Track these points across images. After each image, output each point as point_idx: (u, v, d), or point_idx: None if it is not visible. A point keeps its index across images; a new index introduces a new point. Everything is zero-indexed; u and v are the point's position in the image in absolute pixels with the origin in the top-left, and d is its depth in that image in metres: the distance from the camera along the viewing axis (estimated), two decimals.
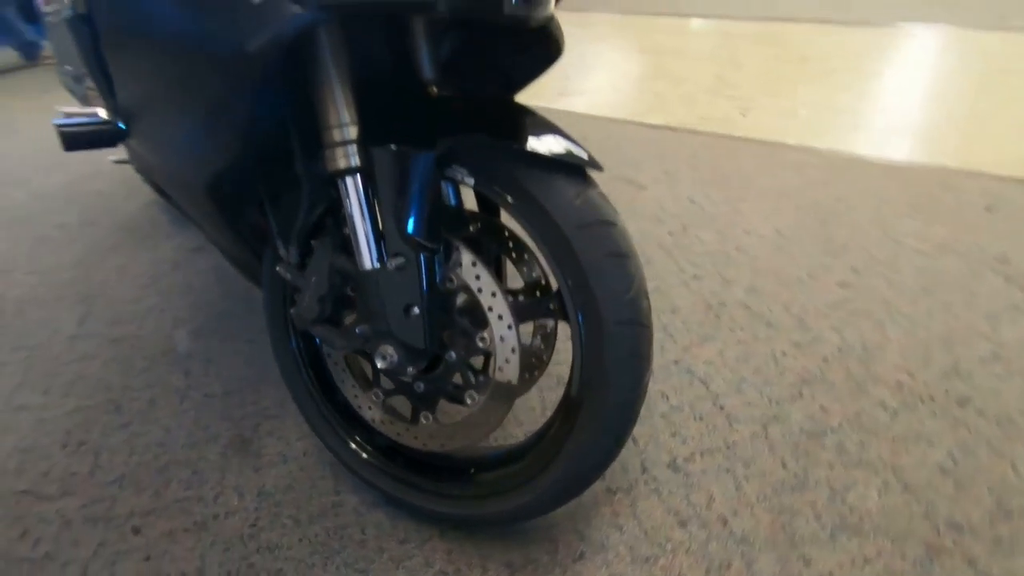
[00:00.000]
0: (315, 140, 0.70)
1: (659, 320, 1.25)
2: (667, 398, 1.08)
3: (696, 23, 2.99)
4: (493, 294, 0.72)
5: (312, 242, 0.80)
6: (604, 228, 0.68)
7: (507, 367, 0.74)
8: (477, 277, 0.72)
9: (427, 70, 0.75)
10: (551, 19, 0.70)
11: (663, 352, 1.18)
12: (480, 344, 0.75)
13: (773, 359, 1.14)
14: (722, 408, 1.06)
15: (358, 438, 0.93)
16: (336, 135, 0.67)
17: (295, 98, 0.71)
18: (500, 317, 0.72)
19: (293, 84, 0.69)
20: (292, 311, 0.83)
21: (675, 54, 2.65)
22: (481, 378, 0.78)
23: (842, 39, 2.55)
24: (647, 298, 0.71)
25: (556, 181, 0.68)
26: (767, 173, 1.71)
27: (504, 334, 0.72)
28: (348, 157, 0.68)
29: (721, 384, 1.10)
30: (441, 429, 0.82)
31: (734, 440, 1.00)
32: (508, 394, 0.76)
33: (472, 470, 0.88)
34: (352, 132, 0.68)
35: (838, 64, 2.30)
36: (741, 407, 1.05)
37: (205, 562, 0.90)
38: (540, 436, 0.81)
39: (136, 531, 0.96)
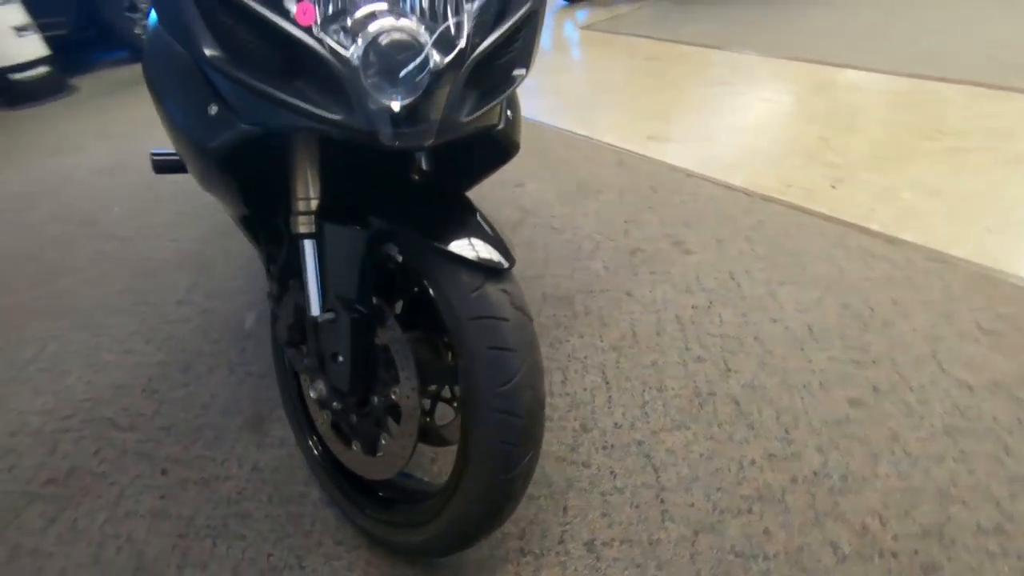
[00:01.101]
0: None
1: (641, 397, 1.26)
2: (614, 476, 1.11)
3: (830, 73, 2.75)
4: (405, 357, 0.84)
5: (290, 281, 0.97)
6: (493, 322, 0.76)
7: (408, 422, 0.85)
8: (396, 340, 0.84)
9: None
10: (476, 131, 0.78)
11: (632, 429, 1.20)
12: (392, 397, 0.87)
13: (738, 466, 1.11)
14: (662, 502, 1.07)
15: (314, 440, 1.11)
16: (301, 205, 0.83)
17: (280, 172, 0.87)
18: (408, 378, 0.84)
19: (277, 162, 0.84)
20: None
21: (789, 106, 2.48)
22: (393, 425, 0.91)
23: (1000, 110, 2.21)
24: (533, 390, 0.78)
25: (460, 274, 0.76)
26: (828, 259, 1.59)
27: (409, 393, 0.84)
28: (307, 225, 0.83)
29: (673, 477, 1.10)
30: (362, 458, 0.96)
31: (659, 538, 1.01)
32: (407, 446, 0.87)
33: (392, 498, 1.00)
34: (313, 205, 0.82)
35: (978, 142, 2.01)
36: (682, 506, 1.05)
37: (197, 512, 1.13)
38: (443, 487, 0.91)
39: (164, 472, 1.23)
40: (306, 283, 0.85)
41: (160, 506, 1.16)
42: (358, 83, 0.62)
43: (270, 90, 0.64)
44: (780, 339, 1.36)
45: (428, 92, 0.65)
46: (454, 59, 0.65)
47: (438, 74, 0.65)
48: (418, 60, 0.62)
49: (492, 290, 0.77)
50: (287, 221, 0.86)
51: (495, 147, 0.91)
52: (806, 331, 1.38)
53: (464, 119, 0.70)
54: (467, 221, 0.81)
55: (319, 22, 0.61)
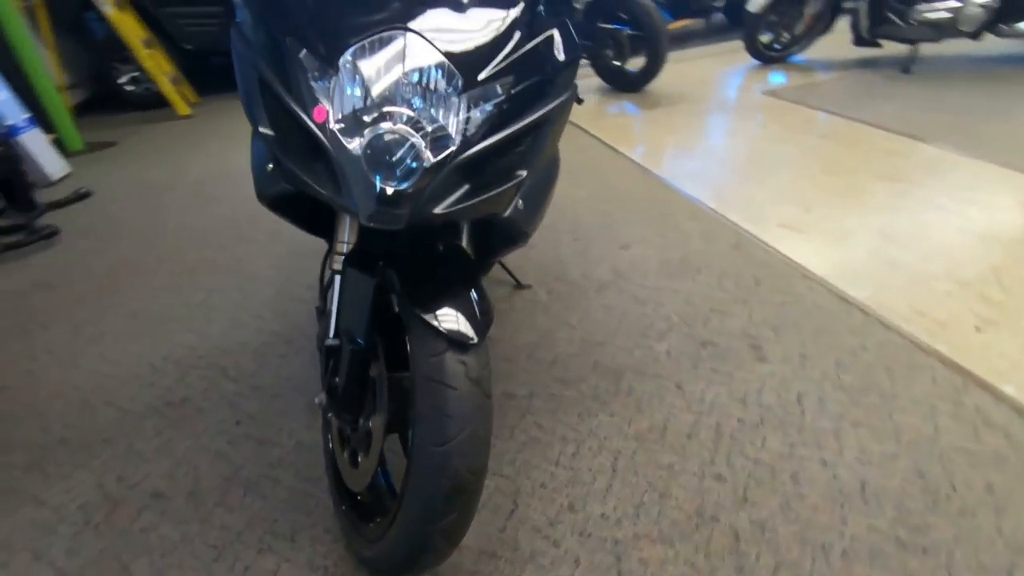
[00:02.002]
0: None
1: (640, 496, 1.24)
2: (577, 565, 1.12)
3: None
4: (382, 394, 0.96)
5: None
6: (441, 387, 0.85)
7: (373, 450, 0.98)
8: (381, 377, 0.97)
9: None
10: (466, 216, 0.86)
11: (616, 525, 1.18)
12: (369, 424, 1.00)
13: None
14: None
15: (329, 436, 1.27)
16: (338, 246, 1.00)
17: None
18: (380, 413, 0.96)
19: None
20: None
21: (969, 221, 2.11)
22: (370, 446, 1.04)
23: None
24: (465, 459, 0.85)
25: (428, 338, 0.86)
26: (927, 412, 1.36)
27: (379, 425, 0.97)
28: (339, 263, 1.00)
29: None
30: (346, 466, 1.11)
31: None
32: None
33: (366, 505, 1.13)
34: (346, 248, 0.99)
35: None
36: None
37: (245, 464, 1.39)
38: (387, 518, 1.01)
39: (238, 423, 1.52)
40: (329, 312, 1.02)
41: (224, 450, 1.44)
42: (352, 170, 0.76)
43: (291, 166, 0.81)
44: (821, 486, 1.22)
45: (413, 183, 0.76)
46: (441, 159, 0.76)
47: (426, 169, 0.76)
48: (401, 157, 0.74)
49: (451, 359, 0.86)
50: (327, 256, 1.04)
51: (500, 233, 1.00)
52: (857, 487, 1.21)
53: (440, 210, 0.79)
54: (455, 293, 0.91)
55: (330, 121, 0.76)
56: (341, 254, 1.00)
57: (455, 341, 0.86)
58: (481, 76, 0.78)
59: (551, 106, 0.86)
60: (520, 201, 0.95)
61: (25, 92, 3.60)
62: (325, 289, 1.19)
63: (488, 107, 0.79)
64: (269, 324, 1.91)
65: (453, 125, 0.77)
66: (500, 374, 1.59)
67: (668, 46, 3.73)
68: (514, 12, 0.84)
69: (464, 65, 0.77)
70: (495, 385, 1.50)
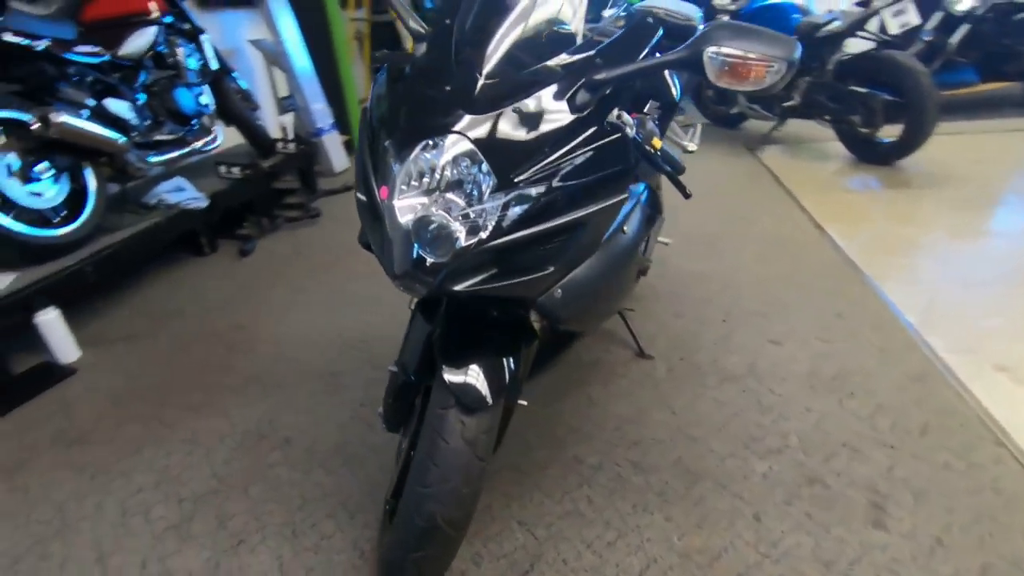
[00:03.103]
0: None
1: None
2: None
3: None
4: (412, 423, 1.12)
5: None
6: (436, 438, 0.96)
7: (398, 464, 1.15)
8: (417, 407, 1.13)
9: None
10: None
11: None
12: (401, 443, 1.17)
13: None
14: None
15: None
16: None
17: None
18: (404, 437, 1.12)
19: None
20: None
21: None
22: None
23: None
24: (442, 507, 0.96)
25: (441, 390, 0.98)
26: None
27: (404, 447, 1.13)
28: (413, 303, 1.18)
29: None
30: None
31: None
32: None
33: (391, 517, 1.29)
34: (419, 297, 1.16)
35: None
36: None
37: (315, 446, 1.69)
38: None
39: (361, 405, 1.84)
40: (403, 343, 1.21)
41: (345, 423, 1.77)
42: (396, 238, 0.89)
43: (363, 225, 1.00)
44: None
45: (442, 258, 0.88)
46: (469, 244, 0.87)
47: (457, 251, 0.87)
48: (437, 236, 0.87)
49: (453, 415, 0.97)
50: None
51: (539, 314, 1.06)
52: None
53: (461, 287, 0.89)
54: (484, 356, 1.00)
55: (393, 197, 0.91)
56: (414, 299, 1.18)
57: (461, 400, 0.96)
58: (517, 178, 0.87)
59: (583, 212, 0.91)
60: (559, 291, 1.01)
61: (336, 101, 4.70)
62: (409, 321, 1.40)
63: (521, 206, 0.87)
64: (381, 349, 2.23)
65: (485, 217, 0.87)
66: (581, 436, 1.62)
67: (936, 117, 3.13)
68: (567, 120, 0.90)
69: (502, 167, 0.86)
70: (573, 443, 1.56)
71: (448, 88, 0.92)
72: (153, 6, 2.88)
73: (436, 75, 0.94)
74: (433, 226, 0.87)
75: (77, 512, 1.51)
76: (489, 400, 0.97)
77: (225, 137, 3.33)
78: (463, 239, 0.87)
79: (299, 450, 1.67)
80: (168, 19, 2.97)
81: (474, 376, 0.98)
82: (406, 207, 0.90)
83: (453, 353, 1.01)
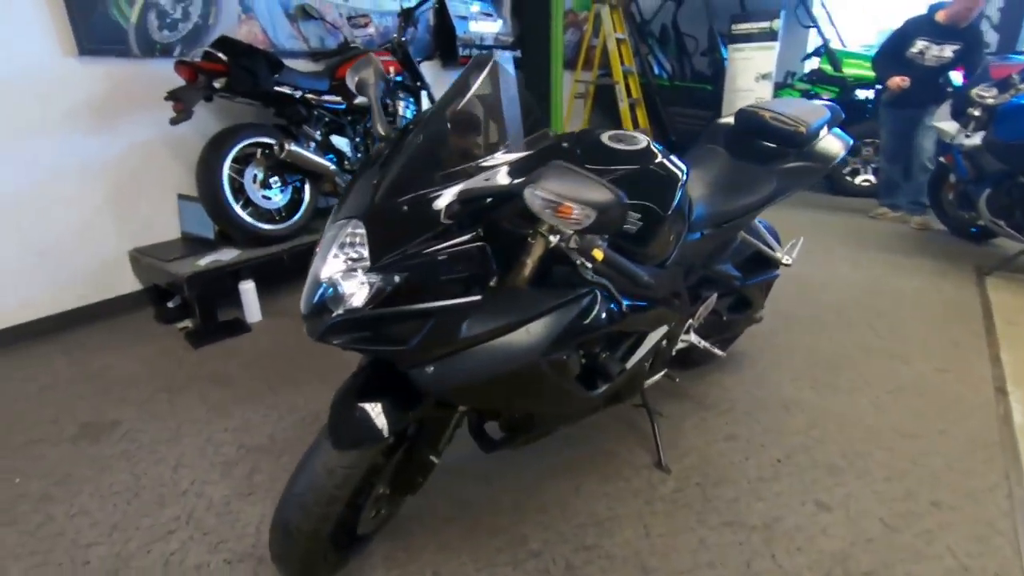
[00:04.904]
0: None
1: None
2: None
3: None
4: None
5: None
6: (310, 458, 1.16)
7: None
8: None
9: None
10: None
11: None
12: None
13: None
14: None
15: None
16: None
17: None
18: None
19: None
20: None
21: None
22: None
23: None
24: (297, 511, 1.17)
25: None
26: None
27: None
28: None
29: None
30: None
31: None
32: None
33: None
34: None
35: None
36: None
37: None
38: None
39: None
40: None
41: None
42: (306, 288, 1.10)
43: None
44: None
45: (324, 311, 1.07)
46: (349, 308, 1.05)
47: (341, 311, 1.06)
48: (326, 296, 1.07)
49: (326, 442, 1.15)
50: None
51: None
52: None
53: (336, 341, 1.06)
54: (377, 402, 1.16)
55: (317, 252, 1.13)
56: None
57: (331, 432, 1.14)
58: (385, 264, 1.03)
59: (431, 305, 1.04)
60: (431, 367, 1.10)
61: None
62: None
63: (386, 287, 1.02)
64: None
65: (358, 290, 1.04)
66: (543, 518, 1.62)
67: None
68: (440, 225, 1.05)
69: (378, 253, 1.03)
70: (531, 521, 1.63)
71: (373, 182, 1.13)
72: (392, 69, 3.70)
73: (373, 171, 1.16)
74: (329, 286, 1.08)
75: (188, 430, 2.08)
76: (350, 445, 1.13)
77: None
78: (344, 303, 1.06)
79: None
80: (399, 78, 3.77)
81: (354, 416, 1.15)
82: (320, 263, 1.11)
83: (361, 389, 1.20)
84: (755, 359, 2.46)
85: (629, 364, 1.46)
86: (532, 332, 1.13)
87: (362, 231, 1.07)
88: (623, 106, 5.69)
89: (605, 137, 1.36)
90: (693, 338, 1.92)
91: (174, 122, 2.79)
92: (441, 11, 4.64)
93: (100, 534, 1.61)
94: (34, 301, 2.85)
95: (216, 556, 1.53)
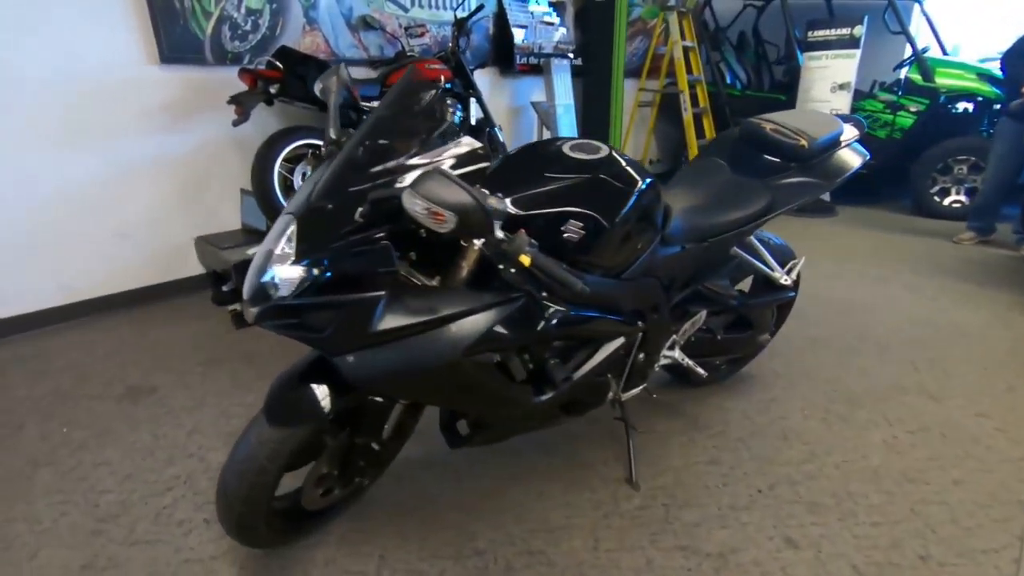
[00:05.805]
0: None
1: None
2: None
3: None
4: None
5: None
6: (249, 430, 1.27)
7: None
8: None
9: None
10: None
11: None
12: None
13: None
14: None
15: None
16: None
17: None
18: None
19: None
20: None
21: None
22: None
23: None
24: (234, 479, 1.28)
25: None
26: None
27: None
28: None
29: None
30: None
31: None
32: None
33: None
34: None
35: None
36: None
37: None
38: None
39: None
40: None
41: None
42: (250, 273, 1.19)
43: None
44: None
45: (260, 297, 1.17)
46: (277, 298, 1.14)
47: (271, 300, 1.15)
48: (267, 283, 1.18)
49: (260, 416, 1.26)
50: None
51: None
52: None
53: (266, 325, 1.15)
54: (316, 384, 1.27)
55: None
56: None
57: (266, 407, 1.25)
58: (306, 257, 1.11)
59: (338, 298, 1.10)
60: (351, 357, 1.17)
61: None
62: None
63: (306, 279, 1.10)
64: None
65: (287, 279, 1.13)
66: (497, 518, 1.65)
67: None
68: (354, 223, 1.13)
69: (304, 248, 1.11)
70: (485, 521, 1.68)
71: (314, 182, 1.22)
72: (442, 77, 3.85)
73: (319, 172, 1.25)
74: (264, 276, 1.17)
75: (210, 401, 2.31)
76: (279, 422, 1.23)
77: None
78: (274, 291, 1.15)
79: None
80: (448, 85, 3.91)
81: (287, 396, 1.25)
82: (260, 255, 1.21)
83: (303, 372, 1.30)
84: (769, 383, 2.33)
85: (577, 374, 1.46)
86: (452, 332, 1.18)
87: (294, 228, 1.16)
88: (687, 115, 5.52)
89: (567, 147, 1.38)
90: (677, 355, 1.86)
91: (235, 124, 3.09)
92: (501, 19, 4.76)
93: (114, 483, 1.84)
94: (115, 277, 3.26)
95: (199, 515, 1.70)
